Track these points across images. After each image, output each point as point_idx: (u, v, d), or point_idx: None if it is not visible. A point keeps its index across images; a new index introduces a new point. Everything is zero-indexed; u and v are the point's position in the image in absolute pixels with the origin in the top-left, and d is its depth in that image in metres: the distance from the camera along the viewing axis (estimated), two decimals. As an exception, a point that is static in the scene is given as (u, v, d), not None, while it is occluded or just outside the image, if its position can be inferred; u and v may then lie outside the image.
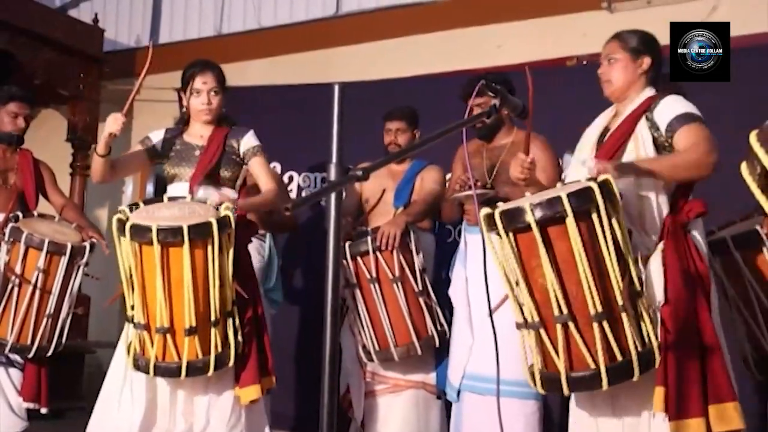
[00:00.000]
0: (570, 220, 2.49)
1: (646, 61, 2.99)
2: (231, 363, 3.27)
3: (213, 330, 3.19)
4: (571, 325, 2.54)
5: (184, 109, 3.68)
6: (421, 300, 4.04)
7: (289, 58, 6.57)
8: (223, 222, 3.14)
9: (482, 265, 3.61)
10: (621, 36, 3.05)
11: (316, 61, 6.38)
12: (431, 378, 4.19)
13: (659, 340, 2.66)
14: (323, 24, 6.60)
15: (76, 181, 6.61)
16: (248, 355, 3.35)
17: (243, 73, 6.41)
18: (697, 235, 2.89)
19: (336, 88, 1.91)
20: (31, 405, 4.12)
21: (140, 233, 3.07)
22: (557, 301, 2.52)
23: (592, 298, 2.50)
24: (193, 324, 3.12)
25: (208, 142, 3.59)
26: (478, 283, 3.74)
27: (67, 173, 6.51)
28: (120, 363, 3.44)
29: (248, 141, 3.63)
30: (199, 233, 3.08)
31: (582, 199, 2.51)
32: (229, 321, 3.27)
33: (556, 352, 2.58)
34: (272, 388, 3.50)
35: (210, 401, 3.38)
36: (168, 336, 3.15)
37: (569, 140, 3.25)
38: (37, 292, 3.94)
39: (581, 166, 2.97)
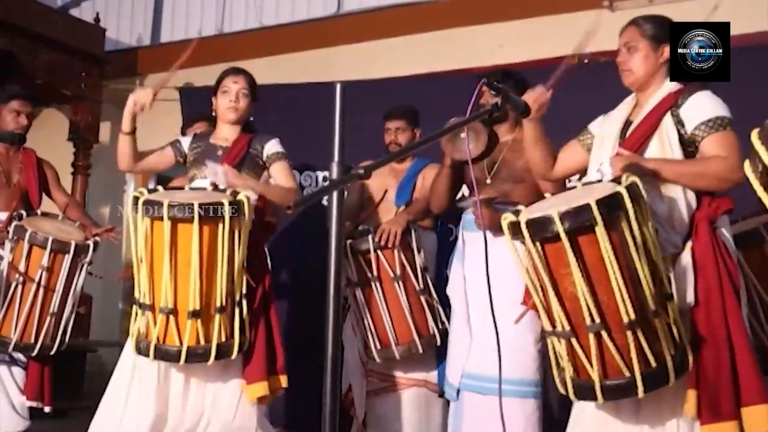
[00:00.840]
0: (600, 229, 2.41)
1: (667, 50, 2.89)
2: (234, 355, 3.25)
3: (218, 317, 3.18)
4: (604, 333, 2.47)
5: (213, 113, 3.73)
6: (422, 298, 4.04)
7: (291, 57, 6.57)
8: (236, 204, 3.15)
9: (481, 263, 3.62)
10: (640, 23, 2.95)
11: (318, 60, 6.38)
12: (433, 376, 4.19)
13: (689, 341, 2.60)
14: (324, 23, 6.61)
15: (77, 180, 6.62)
16: (256, 351, 3.34)
17: (244, 72, 6.42)
18: (725, 231, 2.80)
19: (338, 87, 1.92)
20: (34, 404, 4.12)
21: (152, 207, 3.08)
22: (589, 309, 2.46)
23: (625, 305, 2.43)
24: (197, 307, 3.12)
25: (233, 144, 3.64)
26: (476, 281, 3.75)
27: (69, 173, 6.52)
28: (126, 365, 3.43)
29: (273, 146, 3.69)
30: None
31: (611, 205, 2.43)
32: (236, 311, 3.26)
33: (589, 360, 2.52)
34: (282, 388, 3.49)
35: (215, 396, 3.38)
36: (171, 317, 3.14)
37: (572, 138, 3.24)
38: (41, 291, 3.94)
39: (603, 162, 2.89)
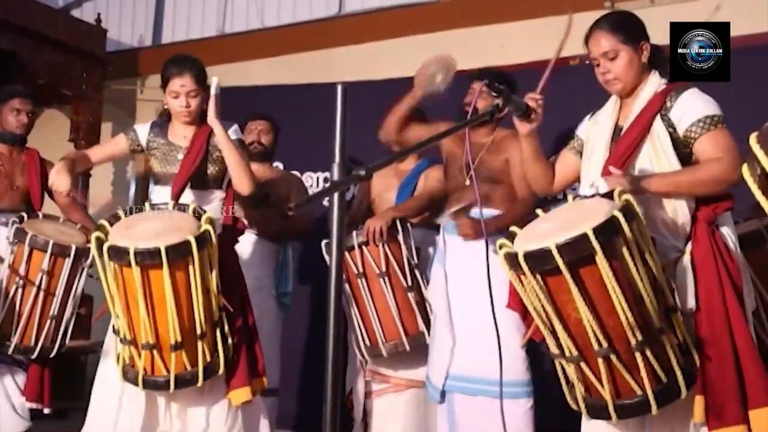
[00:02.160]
0: (600, 258, 2.37)
1: (647, 47, 2.86)
2: (221, 371, 3.24)
3: (200, 343, 3.15)
4: (612, 357, 2.45)
5: (165, 107, 3.63)
6: (410, 296, 4.01)
7: (292, 58, 6.57)
8: (202, 238, 3.09)
9: (462, 265, 3.62)
10: (611, 26, 2.86)
11: (319, 61, 6.38)
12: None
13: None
14: (326, 24, 6.60)
15: (78, 181, 6.60)
16: (238, 359, 3.33)
17: (245, 73, 6.42)
18: (727, 230, 2.76)
19: (339, 88, 1.91)
20: (34, 405, 4.12)
21: (118, 255, 3.01)
22: (595, 335, 2.43)
23: (631, 327, 2.41)
24: (179, 339, 3.08)
25: (191, 144, 3.55)
26: (459, 283, 3.76)
27: (71, 173, 6.50)
28: (112, 365, 3.39)
29: (231, 136, 3.55)
30: (178, 253, 3.02)
31: (609, 232, 2.40)
32: (218, 330, 3.23)
33: (600, 382, 2.50)
34: (268, 389, 3.48)
35: (206, 404, 3.37)
36: (154, 352, 3.12)
37: (567, 139, 3.23)
38: (41, 294, 3.93)
39: (595, 170, 2.84)
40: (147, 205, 3.42)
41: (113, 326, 3.27)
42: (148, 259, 2.98)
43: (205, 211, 3.26)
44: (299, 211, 4.16)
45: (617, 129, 2.89)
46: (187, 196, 3.50)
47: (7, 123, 4.39)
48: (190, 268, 3.05)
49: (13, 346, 3.94)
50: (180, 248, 3.02)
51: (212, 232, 3.14)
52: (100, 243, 3.06)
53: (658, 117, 2.78)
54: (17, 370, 4.16)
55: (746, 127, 2.14)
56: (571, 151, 3.09)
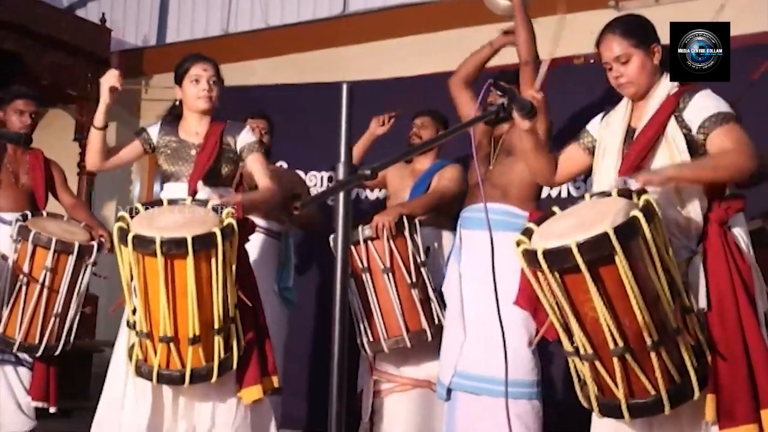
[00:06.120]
0: (620, 258, 2.37)
1: (658, 49, 2.85)
2: (234, 367, 3.25)
3: (217, 337, 3.16)
4: (628, 356, 2.45)
5: (178, 103, 3.61)
6: (413, 292, 4.00)
7: (297, 57, 6.57)
8: (226, 231, 3.09)
9: (477, 261, 3.62)
10: (622, 30, 2.85)
11: (324, 61, 6.38)
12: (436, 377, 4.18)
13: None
14: (330, 23, 6.60)
15: (83, 180, 6.62)
16: (249, 356, 3.33)
17: (250, 73, 6.42)
18: (739, 230, 2.76)
19: (344, 88, 1.91)
20: (39, 404, 4.13)
21: (143, 244, 3.00)
22: (612, 334, 2.43)
23: (648, 327, 2.42)
24: (197, 333, 3.08)
25: (205, 140, 3.54)
26: (472, 280, 3.75)
27: (75, 173, 6.52)
28: (121, 363, 3.40)
29: (245, 137, 3.59)
30: (204, 244, 3.02)
31: (629, 232, 2.40)
32: (232, 327, 3.24)
33: (614, 381, 2.51)
34: (275, 388, 3.49)
35: (213, 403, 3.37)
36: (172, 345, 3.11)
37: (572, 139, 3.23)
38: (45, 291, 3.94)
39: (609, 171, 2.84)
40: (164, 199, 3.40)
41: (128, 321, 3.26)
42: (174, 248, 2.98)
43: (224, 208, 3.26)
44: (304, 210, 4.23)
45: (630, 131, 2.88)
46: (200, 193, 3.49)
47: (11, 124, 4.40)
48: (213, 260, 3.06)
49: (17, 343, 3.95)
50: (206, 239, 3.03)
51: (235, 225, 3.14)
52: (123, 232, 3.04)
53: (673, 118, 2.77)
54: (23, 369, 4.17)
55: (747, 127, 2.15)
56: (579, 145, 3.06)
